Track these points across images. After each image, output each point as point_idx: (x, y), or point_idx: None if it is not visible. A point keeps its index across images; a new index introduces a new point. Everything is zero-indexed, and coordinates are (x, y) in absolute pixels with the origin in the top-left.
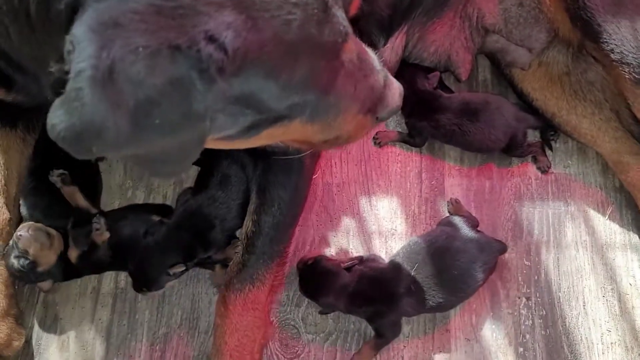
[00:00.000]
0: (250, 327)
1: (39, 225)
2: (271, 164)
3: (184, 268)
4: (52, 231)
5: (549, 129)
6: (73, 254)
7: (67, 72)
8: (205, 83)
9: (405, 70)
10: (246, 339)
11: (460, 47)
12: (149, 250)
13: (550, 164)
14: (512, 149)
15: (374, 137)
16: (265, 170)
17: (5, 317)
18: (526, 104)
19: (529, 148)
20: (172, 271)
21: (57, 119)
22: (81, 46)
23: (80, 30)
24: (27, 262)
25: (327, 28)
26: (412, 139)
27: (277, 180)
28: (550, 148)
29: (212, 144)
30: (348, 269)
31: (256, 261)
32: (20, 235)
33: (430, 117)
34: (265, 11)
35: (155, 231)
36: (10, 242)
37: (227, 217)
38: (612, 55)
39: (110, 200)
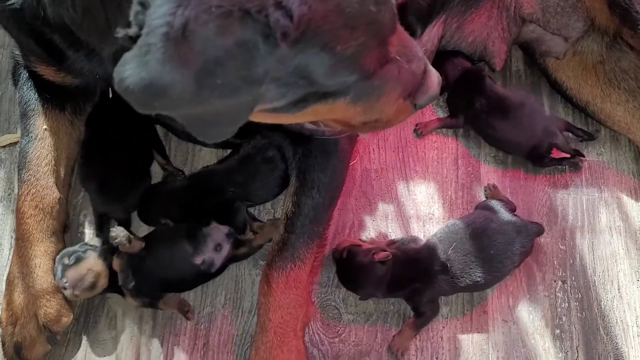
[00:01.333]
0: (293, 305)
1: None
2: (310, 148)
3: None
4: (98, 268)
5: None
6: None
7: (132, 37)
8: (269, 48)
9: (454, 53)
10: (289, 316)
11: (497, 38)
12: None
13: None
14: (534, 158)
15: (414, 129)
16: (305, 154)
17: (55, 293)
18: (560, 93)
19: (554, 161)
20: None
21: (127, 72)
22: (157, 3)
23: None
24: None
25: (383, 8)
26: (453, 118)
27: (317, 163)
28: (578, 167)
29: (258, 116)
30: (381, 262)
31: (296, 240)
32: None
33: (467, 96)
34: None
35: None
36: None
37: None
38: None
39: None
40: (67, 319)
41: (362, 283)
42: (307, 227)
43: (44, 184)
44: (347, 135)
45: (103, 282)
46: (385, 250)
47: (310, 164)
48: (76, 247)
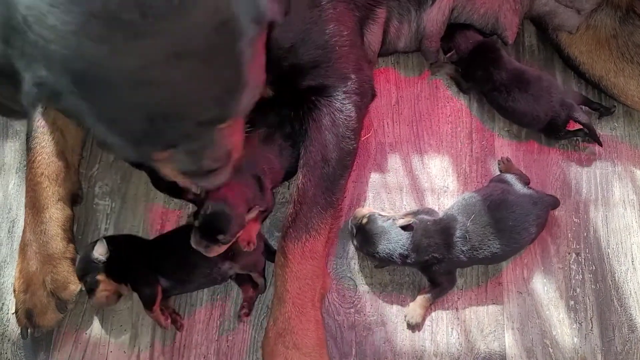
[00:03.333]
0: (310, 276)
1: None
2: (317, 118)
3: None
4: (112, 287)
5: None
6: None
7: None
8: None
9: (466, 26)
10: (307, 287)
11: (508, 10)
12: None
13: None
14: (550, 131)
15: (431, 64)
16: (311, 124)
17: (62, 259)
18: (572, 69)
19: (569, 133)
20: (248, 217)
21: None
22: None
23: None
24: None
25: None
26: (462, 81)
27: (324, 133)
28: (599, 143)
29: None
30: (403, 227)
31: (309, 211)
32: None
33: (485, 68)
34: None
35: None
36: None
37: None
38: None
39: None
40: (75, 286)
41: (384, 247)
42: (319, 197)
43: (49, 152)
44: (356, 103)
45: (124, 290)
46: (405, 217)
47: (317, 134)
48: (84, 264)
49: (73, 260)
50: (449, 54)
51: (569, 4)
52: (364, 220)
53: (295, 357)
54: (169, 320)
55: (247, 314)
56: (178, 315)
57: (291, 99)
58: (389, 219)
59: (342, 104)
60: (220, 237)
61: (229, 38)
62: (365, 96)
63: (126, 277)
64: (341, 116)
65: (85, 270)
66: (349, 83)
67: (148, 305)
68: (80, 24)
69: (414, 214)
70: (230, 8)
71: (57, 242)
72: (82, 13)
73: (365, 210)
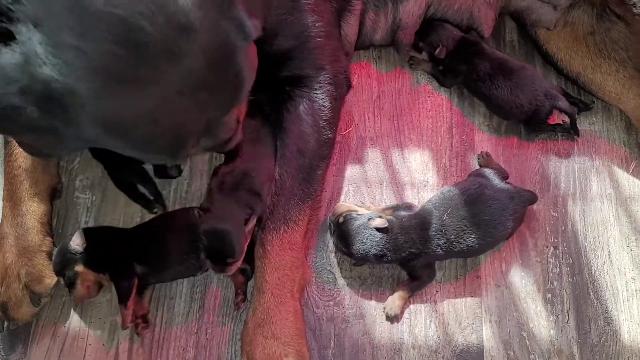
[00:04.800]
0: (289, 267)
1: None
2: (291, 109)
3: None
4: (92, 277)
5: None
6: None
7: None
8: None
9: (442, 23)
10: (285, 278)
11: (482, 4)
12: (218, 224)
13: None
14: (533, 122)
15: (409, 59)
16: (286, 114)
17: (38, 252)
18: (551, 65)
19: (549, 126)
20: (248, 228)
21: None
22: None
23: None
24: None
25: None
26: (442, 77)
27: (299, 124)
28: (577, 134)
29: None
30: (378, 229)
31: (287, 202)
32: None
33: (469, 61)
34: None
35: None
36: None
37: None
38: (634, 9)
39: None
40: (49, 280)
41: (358, 248)
42: (296, 188)
43: None
44: (331, 94)
45: (104, 281)
46: (381, 217)
47: (291, 125)
48: (61, 258)
49: (49, 253)
50: (437, 51)
51: None
52: (340, 220)
53: (274, 346)
54: (131, 324)
55: (244, 300)
56: (146, 322)
57: (267, 90)
58: (366, 218)
59: (316, 95)
60: (230, 260)
61: (222, 65)
62: (340, 87)
63: (105, 268)
64: (315, 106)
65: (63, 263)
66: (323, 74)
67: (123, 298)
68: (100, 87)
69: (393, 209)
70: (219, 43)
71: (33, 235)
72: (101, 78)
73: (343, 207)
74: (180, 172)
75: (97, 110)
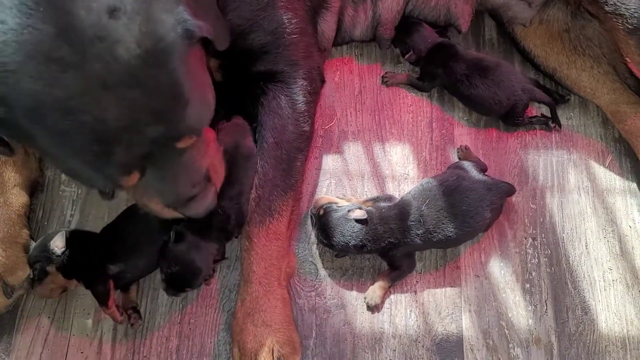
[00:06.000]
0: (275, 256)
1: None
2: (267, 103)
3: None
4: (60, 282)
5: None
6: None
7: None
8: None
9: (420, 24)
10: (272, 267)
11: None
12: (188, 249)
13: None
14: (511, 116)
15: (382, 77)
16: (261, 109)
17: (14, 243)
18: (528, 61)
19: (527, 119)
20: (215, 261)
21: None
22: None
23: None
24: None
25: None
26: (421, 82)
27: (274, 117)
28: (559, 124)
29: None
30: (357, 220)
31: (270, 194)
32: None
33: (445, 64)
34: None
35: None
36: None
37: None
38: (605, 7)
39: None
40: (22, 272)
41: (338, 240)
42: (278, 180)
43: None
44: (304, 88)
45: (71, 285)
46: (360, 209)
47: (266, 119)
48: (39, 252)
49: (25, 246)
50: (407, 55)
51: None
52: (321, 212)
53: (265, 333)
54: (124, 317)
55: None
56: (137, 313)
57: (241, 85)
58: (346, 210)
59: (290, 89)
60: (187, 289)
61: (156, 61)
62: (314, 82)
63: (77, 275)
64: (289, 100)
65: (38, 257)
66: (297, 69)
67: (102, 301)
68: (20, 64)
69: (374, 200)
70: (154, 34)
71: (9, 227)
72: (21, 55)
73: (324, 199)
74: (111, 196)
75: (20, 87)
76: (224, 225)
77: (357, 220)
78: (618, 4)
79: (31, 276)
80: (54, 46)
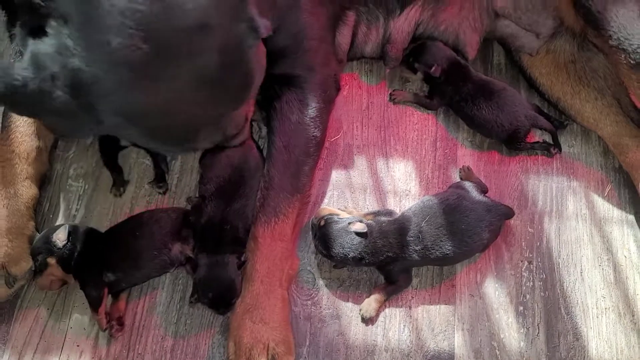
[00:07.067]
0: (279, 257)
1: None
2: (280, 107)
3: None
4: (59, 274)
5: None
6: None
7: None
8: None
9: (434, 41)
10: (275, 267)
11: (467, 27)
12: (209, 271)
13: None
14: (513, 141)
15: (390, 94)
16: (273, 113)
17: (19, 235)
18: (534, 89)
19: (529, 144)
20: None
21: None
22: None
23: None
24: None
25: None
26: (429, 100)
27: (285, 121)
28: (560, 149)
29: None
30: (358, 233)
31: (276, 196)
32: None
33: (455, 83)
34: None
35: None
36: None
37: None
38: (610, 42)
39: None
40: (26, 264)
41: (337, 251)
42: (285, 182)
43: (23, 131)
44: (319, 95)
45: (70, 280)
46: (361, 222)
47: (278, 123)
48: (41, 243)
49: (30, 238)
50: (432, 69)
51: (528, 27)
52: (322, 222)
53: (262, 331)
54: (108, 325)
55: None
56: (121, 325)
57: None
58: (346, 222)
59: (303, 95)
60: (234, 300)
61: (234, 63)
62: (329, 89)
63: (76, 273)
64: (301, 105)
65: (40, 249)
66: (313, 75)
67: (94, 307)
68: (122, 79)
69: (375, 214)
70: (232, 41)
71: (18, 218)
72: (126, 71)
73: (325, 210)
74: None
75: (118, 99)
76: (235, 235)
77: (357, 233)
78: (622, 39)
79: (33, 268)
80: (153, 63)
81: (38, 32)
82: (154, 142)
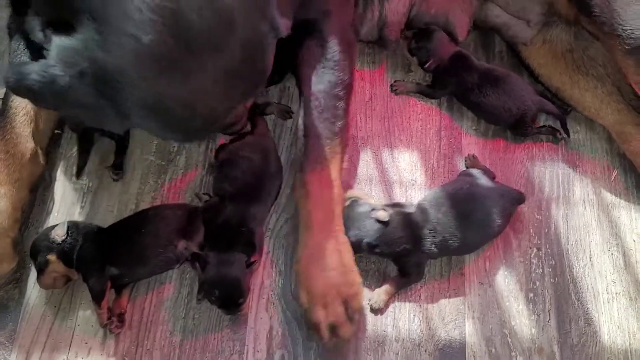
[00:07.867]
0: (331, 202)
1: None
2: (302, 55)
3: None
4: (61, 270)
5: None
6: None
7: None
8: None
9: (439, 32)
10: (330, 213)
11: (457, 9)
12: (217, 270)
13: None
14: (519, 126)
15: (391, 85)
16: (297, 61)
17: (4, 235)
18: (533, 79)
19: (535, 129)
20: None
21: None
22: None
23: None
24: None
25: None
26: (431, 89)
27: (309, 68)
28: (568, 134)
29: None
30: (379, 220)
31: (316, 143)
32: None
33: (458, 74)
34: None
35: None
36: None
37: None
38: (604, 28)
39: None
40: (7, 265)
41: (354, 233)
42: (321, 129)
43: (19, 132)
44: (339, 35)
45: (74, 275)
46: (385, 210)
47: (302, 71)
48: (40, 242)
49: (14, 240)
50: (427, 64)
51: (516, 14)
52: (347, 202)
53: (331, 277)
54: (108, 322)
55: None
56: (121, 322)
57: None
58: (370, 207)
59: (323, 39)
60: (241, 300)
61: (254, 58)
62: (347, 32)
63: (78, 266)
64: (323, 50)
65: (39, 248)
66: (329, 18)
67: (96, 300)
68: (149, 72)
69: (393, 206)
70: (254, 38)
71: (4, 218)
72: (155, 65)
73: (354, 192)
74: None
75: (144, 92)
76: (249, 239)
77: (378, 221)
78: (615, 25)
79: (19, 272)
80: (181, 58)
81: (64, 27)
82: (170, 133)
